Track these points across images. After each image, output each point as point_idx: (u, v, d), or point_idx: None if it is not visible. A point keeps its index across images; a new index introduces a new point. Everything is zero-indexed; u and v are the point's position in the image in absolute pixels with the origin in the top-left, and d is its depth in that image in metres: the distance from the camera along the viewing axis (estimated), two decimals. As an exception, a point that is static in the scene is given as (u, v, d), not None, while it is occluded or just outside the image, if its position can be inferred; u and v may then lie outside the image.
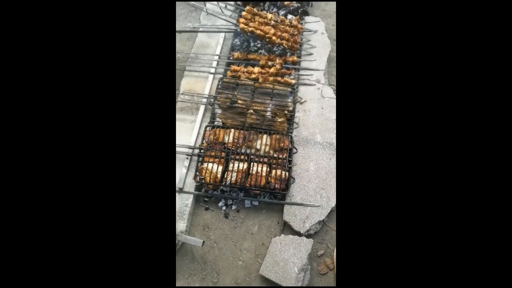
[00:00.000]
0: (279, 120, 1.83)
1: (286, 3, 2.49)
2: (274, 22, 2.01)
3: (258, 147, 1.70)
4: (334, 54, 2.28)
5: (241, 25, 2.01)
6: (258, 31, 1.99)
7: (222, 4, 2.49)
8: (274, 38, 1.96)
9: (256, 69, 2.01)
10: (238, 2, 2.50)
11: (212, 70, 2.07)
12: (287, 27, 2.05)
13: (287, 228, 1.58)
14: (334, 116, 1.84)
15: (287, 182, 1.60)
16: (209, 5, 2.47)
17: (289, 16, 2.45)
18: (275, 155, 1.67)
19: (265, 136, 1.72)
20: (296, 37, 2.05)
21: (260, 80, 1.95)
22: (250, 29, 1.97)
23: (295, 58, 2.09)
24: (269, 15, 2.05)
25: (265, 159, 1.66)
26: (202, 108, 1.91)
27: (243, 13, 2.08)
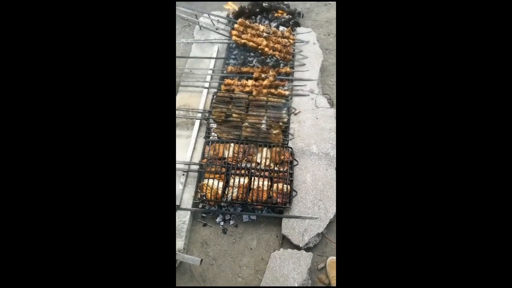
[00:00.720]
0: (274, 132, 1.83)
1: (277, 15, 2.53)
2: (266, 34, 2.03)
3: (258, 160, 1.70)
4: (327, 63, 2.30)
5: (234, 37, 2.03)
6: (251, 43, 2.01)
7: (215, 18, 2.53)
8: (266, 49, 1.98)
9: (250, 82, 2.03)
10: (231, 16, 2.54)
11: (206, 85, 2.09)
12: (280, 38, 2.07)
13: (286, 242, 1.56)
14: (329, 126, 1.85)
15: (289, 196, 1.59)
16: (202, 19, 2.51)
17: (281, 28, 2.49)
18: (275, 168, 1.67)
19: (265, 149, 1.72)
20: (288, 48, 2.07)
21: (254, 93, 1.97)
22: (243, 41, 2.00)
23: (288, 69, 2.10)
24: (261, 27, 2.09)
25: (266, 173, 1.65)
26: (197, 123, 1.92)
27: (235, 25, 2.11)
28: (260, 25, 2.18)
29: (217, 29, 2.43)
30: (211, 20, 2.50)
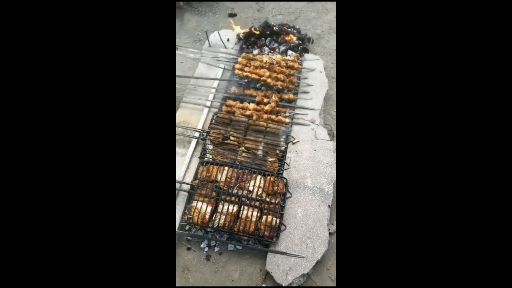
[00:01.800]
0: (270, 159, 1.80)
1: (287, 38, 2.54)
2: (269, 65, 2.04)
3: (250, 188, 1.66)
4: (332, 92, 2.28)
5: (236, 71, 2.05)
6: (253, 75, 2.02)
7: (224, 37, 2.55)
8: (269, 80, 1.98)
9: (252, 106, 2.01)
10: (241, 36, 2.56)
11: (208, 103, 2.08)
12: (283, 68, 2.07)
13: (269, 278, 1.51)
14: (326, 160, 1.81)
15: (278, 230, 1.54)
16: (212, 37, 2.53)
17: (290, 52, 2.49)
18: (267, 199, 1.63)
19: (259, 177, 1.69)
20: (292, 77, 2.06)
21: (254, 117, 1.95)
22: (245, 74, 2.01)
23: (291, 95, 2.09)
24: (265, 59, 2.09)
25: (257, 203, 1.61)
26: (194, 142, 1.90)
27: (239, 59, 2.12)
28: (264, 55, 2.18)
29: (225, 47, 2.45)
30: (221, 39, 2.52)
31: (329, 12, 2.91)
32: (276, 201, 1.62)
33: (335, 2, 2.96)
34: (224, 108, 2.03)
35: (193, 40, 2.76)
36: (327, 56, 2.54)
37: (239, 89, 2.11)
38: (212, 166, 1.72)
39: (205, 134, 1.91)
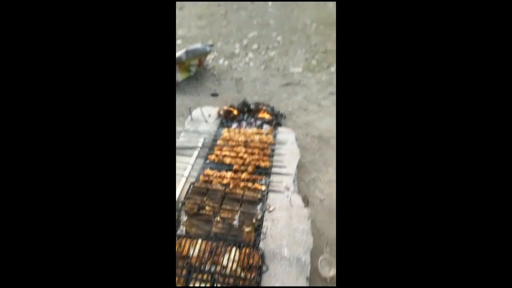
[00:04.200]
0: (247, 230, 1.78)
1: (261, 115, 2.86)
2: (244, 143, 2.26)
3: (225, 263, 1.58)
4: (304, 160, 2.46)
5: (213, 156, 2.25)
6: (229, 159, 2.22)
7: (206, 113, 2.84)
8: (245, 156, 2.16)
9: (229, 174, 2.10)
10: (221, 112, 2.87)
11: (186, 173, 2.15)
12: (258, 143, 2.29)
13: None
14: (302, 227, 1.81)
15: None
16: (194, 113, 2.81)
17: (265, 126, 2.77)
18: (242, 274, 1.53)
19: (233, 249, 1.63)
20: (266, 150, 2.25)
21: (231, 185, 2.01)
22: (223, 154, 2.21)
23: (267, 163, 2.23)
24: (240, 138, 2.33)
25: (231, 279, 1.51)
26: (169, 212, 1.87)
27: (218, 142, 2.35)
28: (240, 132, 2.40)
29: (206, 121, 2.70)
30: (202, 114, 2.80)
31: (298, 94, 3.40)
32: (252, 276, 1.53)
33: (304, 86, 3.50)
34: (201, 178, 2.09)
35: (177, 115, 3.02)
36: (298, 129, 2.84)
37: (218, 157, 2.24)
38: (184, 239, 1.66)
39: (180, 204, 1.90)
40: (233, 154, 2.26)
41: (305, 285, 1.55)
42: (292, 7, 5.32)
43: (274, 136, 2.54)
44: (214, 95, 3.40)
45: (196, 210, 1.86)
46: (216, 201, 1.91)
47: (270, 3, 5.55)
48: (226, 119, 2.82)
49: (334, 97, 3.27)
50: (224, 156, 2.26)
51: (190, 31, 4.80)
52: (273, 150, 2.36)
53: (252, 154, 2.26)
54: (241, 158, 2.24)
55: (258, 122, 2.81)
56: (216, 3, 5.66)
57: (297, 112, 3.10)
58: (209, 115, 2.85)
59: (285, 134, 2.62)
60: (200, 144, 2.41)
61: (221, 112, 2.86)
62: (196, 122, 2.78)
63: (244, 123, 2.81)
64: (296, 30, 4.65)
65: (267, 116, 2.86)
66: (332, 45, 4.20)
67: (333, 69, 3.73)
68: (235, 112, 2.86)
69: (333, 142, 2.66)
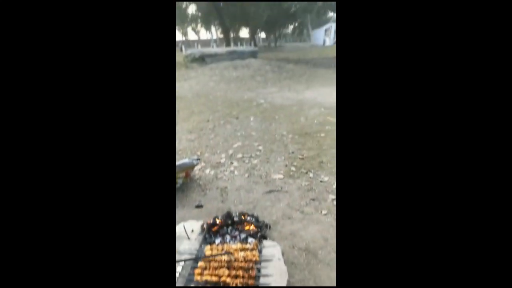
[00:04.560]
0: None
1: (246, 227, 2.84)
2: (227, 263, 2.16)
3: None
4: (294, 279, 2.28)
5: (196, 277, 2.14)
6: (213, 278, 2.10)
7: (189, 228, 2.79)
8: (228, 279, 2.03)
9: (211, 306, 1.87)
10: (204, 226, 2.82)
11: None
12: (242, 262, 2.18)
13: None
14: None
15: None
16: (177, 228, 2.75)
17: (250, 239, 2.70)
18: None
19: None
20: (251, 271, 2.13)
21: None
22: (204, 278, 2.09)
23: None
24: (224, 257, 2.25)
25: None
26: None
27: (199, 263, 2.24)
28: (223, 256, 2.30)
29: (189, 238, 2.60)
30: (185, 231, 2.74)
31: (281, 201, 3.51)
32: None
33: (286, 192, 3.67)
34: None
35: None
36: (284, 241, 2.77)
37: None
38: None
39: None
40: (215, 278, 2.09)
41: None
42: (270, 121, 6.23)
43: (260, 252, 2.44)
44: (199, 206, 3.43)
45: None
46: None
47: (252, 117, 6.50)
48: (209, 234, 2.75)
49: (316, 203, 3.40)
50: (206, 282, 2.08)
51: (180, 143, 5.31)
52: (259, 270, 2.21)
53: (236, 277, 2.11)
54: (224, 283, 2.06)
55: (243, 235, 2.74)
56: (206, 119, 6.55)
57: (281, 221, 3.11)
58: (192, 231, 2.79)
59: (270, 248, 2.53)
60: (179, 269, 2.24)
61: (205, 226, 2.82)
62: (178, 240, 2.67)
63: (228, 237, 2.74)
64: (275, 140, 5.28)
65: (252, 228, 2.83)
66: (307, 152, 4.70)
67: (311, 174, 4.03)
68: (219, 222, 2.83)
69: (321, 255, 2.57)
